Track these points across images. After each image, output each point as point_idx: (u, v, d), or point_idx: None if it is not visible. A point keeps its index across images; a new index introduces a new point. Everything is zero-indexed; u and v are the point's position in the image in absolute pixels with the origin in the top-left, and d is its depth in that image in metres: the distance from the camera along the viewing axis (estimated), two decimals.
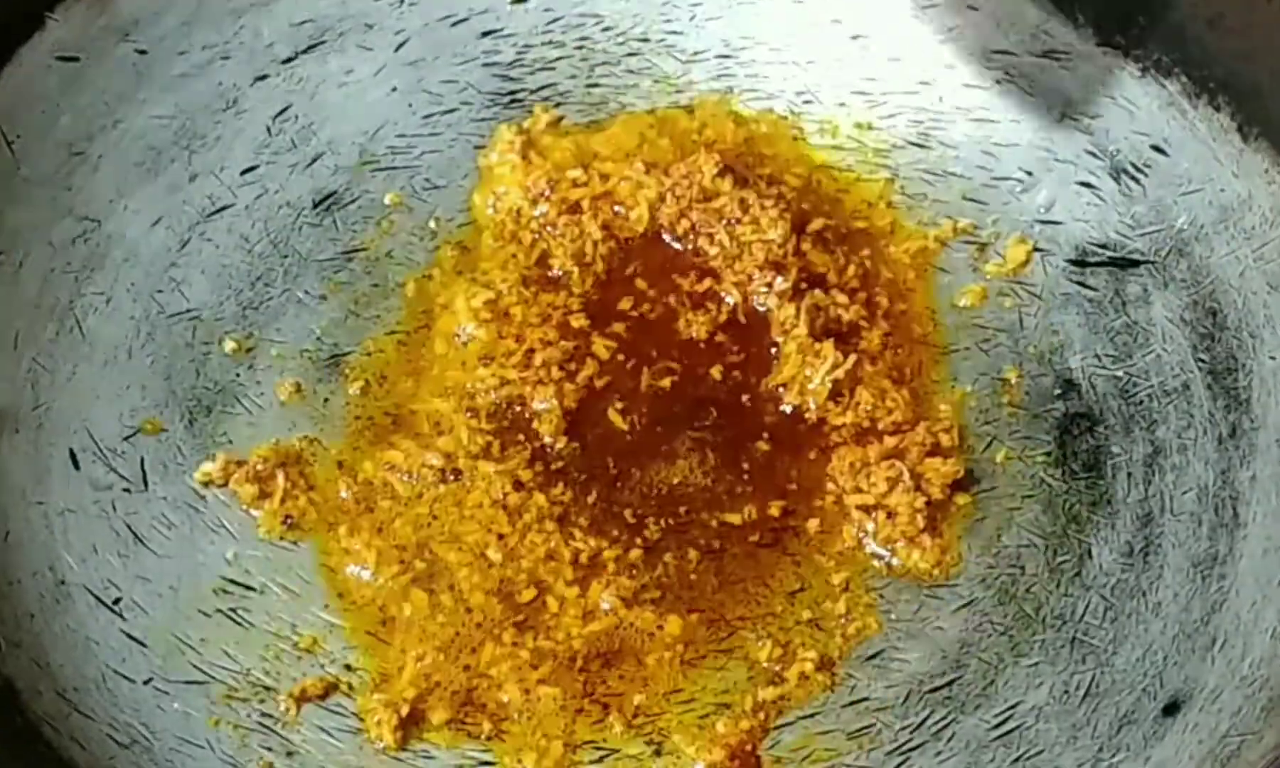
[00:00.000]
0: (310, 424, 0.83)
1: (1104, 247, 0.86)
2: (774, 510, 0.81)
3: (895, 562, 0.80)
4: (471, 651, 0.78)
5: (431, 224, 0.89)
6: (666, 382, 0.84)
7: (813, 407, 0.83)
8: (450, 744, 0.76)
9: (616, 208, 0.88)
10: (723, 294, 0.86)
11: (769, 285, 0.85)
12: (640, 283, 0.86)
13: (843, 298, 0.85)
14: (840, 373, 0.83)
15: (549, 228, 0.87)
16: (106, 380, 0.83)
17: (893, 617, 0.79)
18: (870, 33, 0.92)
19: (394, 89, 0.91)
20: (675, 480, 0.82)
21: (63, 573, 0.78)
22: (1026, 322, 0.86)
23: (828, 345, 0.83)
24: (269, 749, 0.75)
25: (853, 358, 0.83)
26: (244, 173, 0.89)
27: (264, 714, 0.76)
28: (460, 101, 0.92)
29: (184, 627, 0.78)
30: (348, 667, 0.78)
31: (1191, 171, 0.86)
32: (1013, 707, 0.77)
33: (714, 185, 0.87)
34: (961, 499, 0.82)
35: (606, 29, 0.93)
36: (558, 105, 0.92)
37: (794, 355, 0.84)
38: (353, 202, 0.89)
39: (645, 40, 0.93)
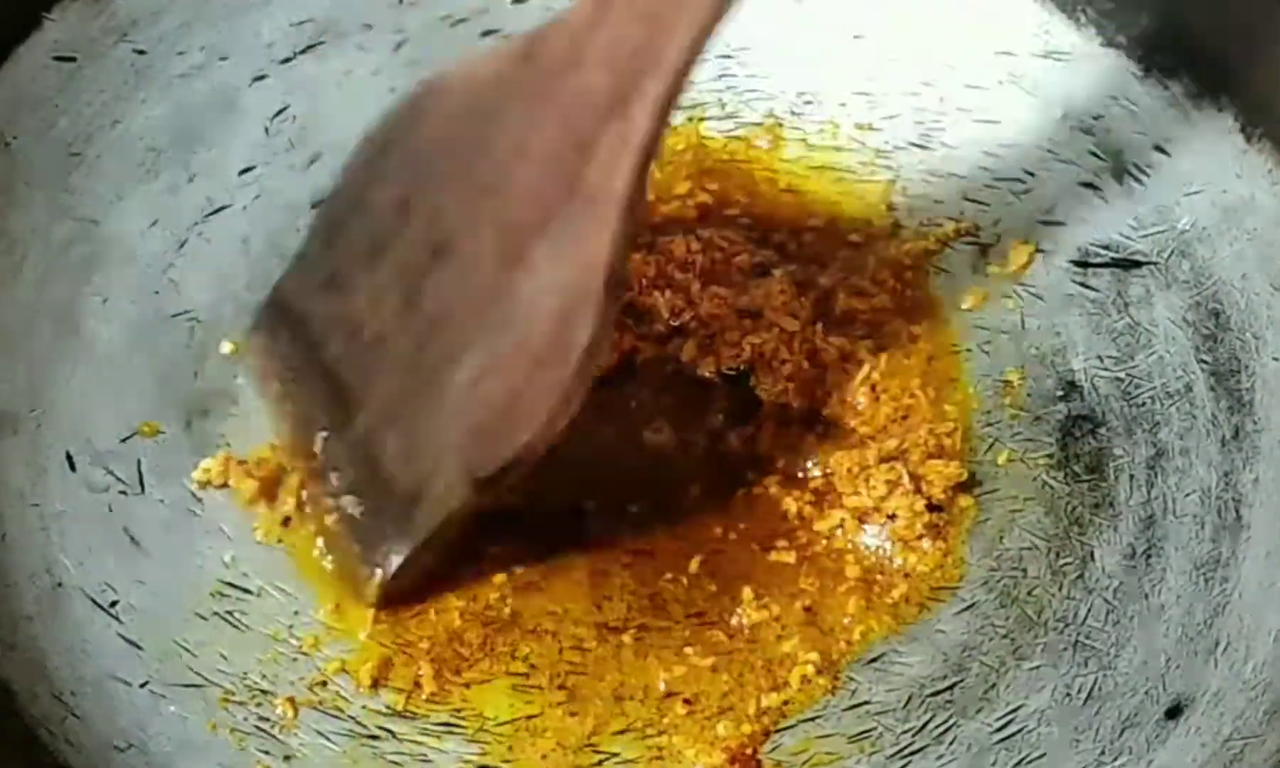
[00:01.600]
0: None
1: (1106, 248, 0.86)
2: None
3: (896, 565, 0.80)
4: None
5: None
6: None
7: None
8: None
9: None
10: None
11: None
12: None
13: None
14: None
15: None
16: (104, 382, 0.83)
17: (894, 620, 0.79)
18: (871, 33, 0.91)
19: (393, 89, 0.90)
20: None
21: (59, 575, 0.78)
22: (1028, 323, 0.86)
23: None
24: (266, 753, 0.75)
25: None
26: (242, 173, 0.88)
27: (261, 718, 0.76)
28: None
29: (181, 630, 0.78)
30: (345, 670, 0.77)
31: (1194, 173, 0.85)
32: (1014, 710, 0.76)
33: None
34: (963, 502, 0.81)
35: None
36: None
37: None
38: None
39: None
